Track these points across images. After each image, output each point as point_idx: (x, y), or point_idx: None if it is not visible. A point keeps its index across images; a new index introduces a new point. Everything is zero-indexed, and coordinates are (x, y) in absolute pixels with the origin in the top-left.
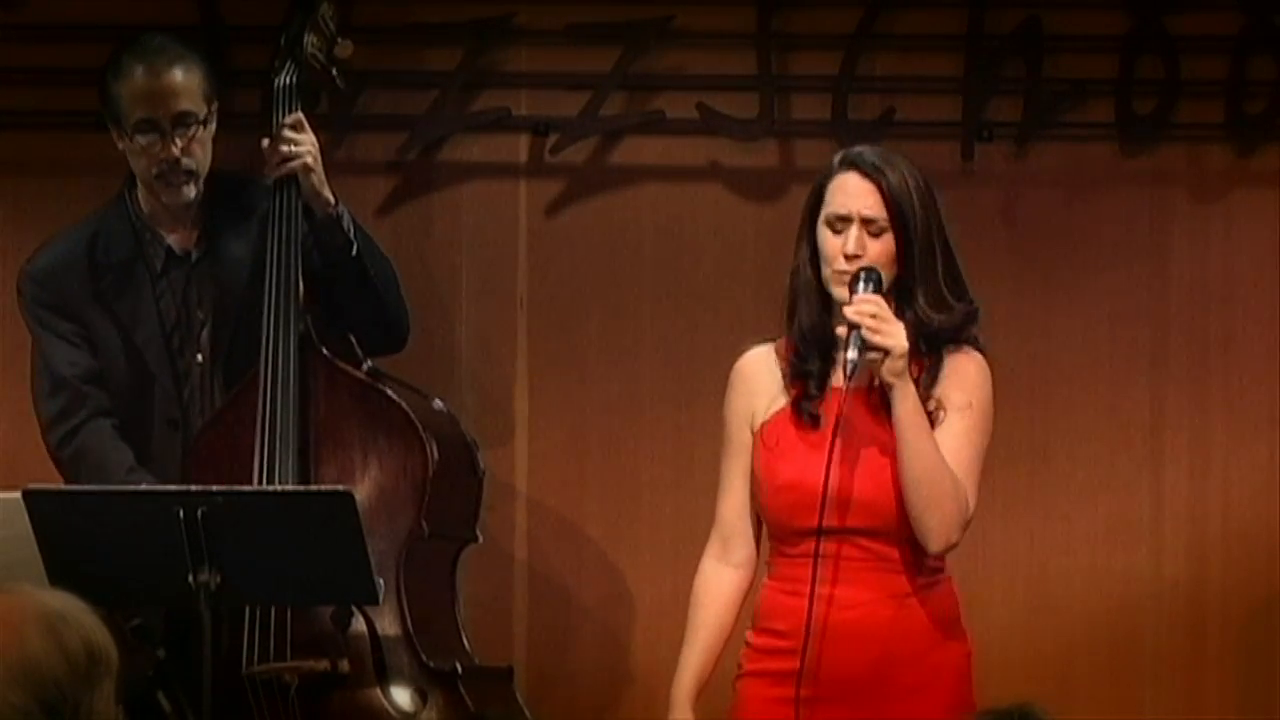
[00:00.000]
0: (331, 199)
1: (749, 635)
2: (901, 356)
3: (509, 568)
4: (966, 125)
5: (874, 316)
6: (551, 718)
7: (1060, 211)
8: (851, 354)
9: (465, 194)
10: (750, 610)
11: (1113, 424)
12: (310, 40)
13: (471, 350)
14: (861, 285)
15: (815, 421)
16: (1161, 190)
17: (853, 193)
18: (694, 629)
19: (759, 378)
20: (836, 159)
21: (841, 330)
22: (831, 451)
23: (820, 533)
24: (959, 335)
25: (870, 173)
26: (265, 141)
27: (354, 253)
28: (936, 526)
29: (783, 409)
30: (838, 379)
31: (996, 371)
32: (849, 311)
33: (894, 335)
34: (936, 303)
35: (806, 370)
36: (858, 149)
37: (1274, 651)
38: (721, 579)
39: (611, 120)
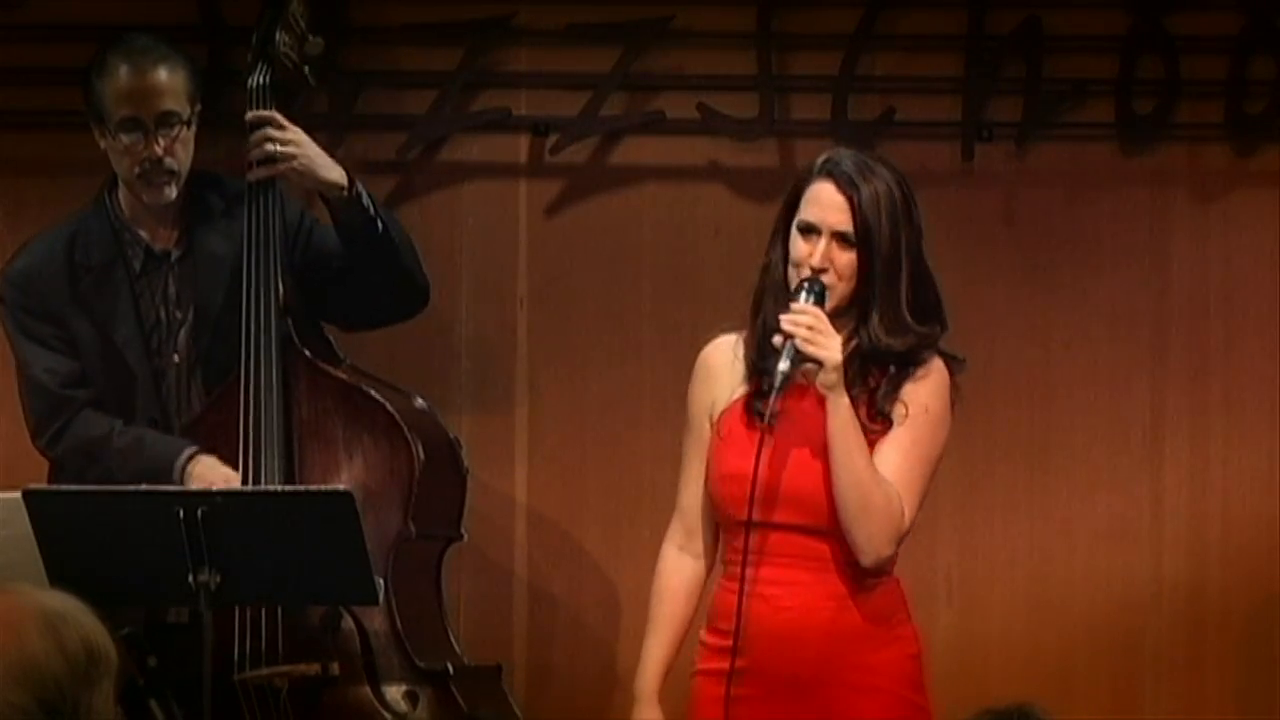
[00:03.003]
0: (343, 180)
1: (702, 633)
2: (835, 369)
3: (508, 567)
4: (966, 125)
5: (810, 328)
6: (549, 717)
7: (1060, 211)
8: (783, 365)
9: (465, 194)
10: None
11: (1113, 424)
12: (282, 39)
13: (471, 350)
14: (803, 296)
15: (763, 419)
16: (1161, 190)
17: (826, 204)
18: (658, 621)
19: (722, 367)
20: (820, 161)
21: (778, 339)
22: (760, 447)
23: (749, 525)
24: (914, 358)
25: (845, 185)
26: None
27: (380, 229)
28: (864, 541)
29: (739, 400)
30: (795, 377)
31: (997, 371)
32: (784, 321)
33: (828, 347)
34: (891, 326)
35: (763, 368)
36: (841, 156)
37: (1274, 651)
38: (684, 569)
39: (611, 120)
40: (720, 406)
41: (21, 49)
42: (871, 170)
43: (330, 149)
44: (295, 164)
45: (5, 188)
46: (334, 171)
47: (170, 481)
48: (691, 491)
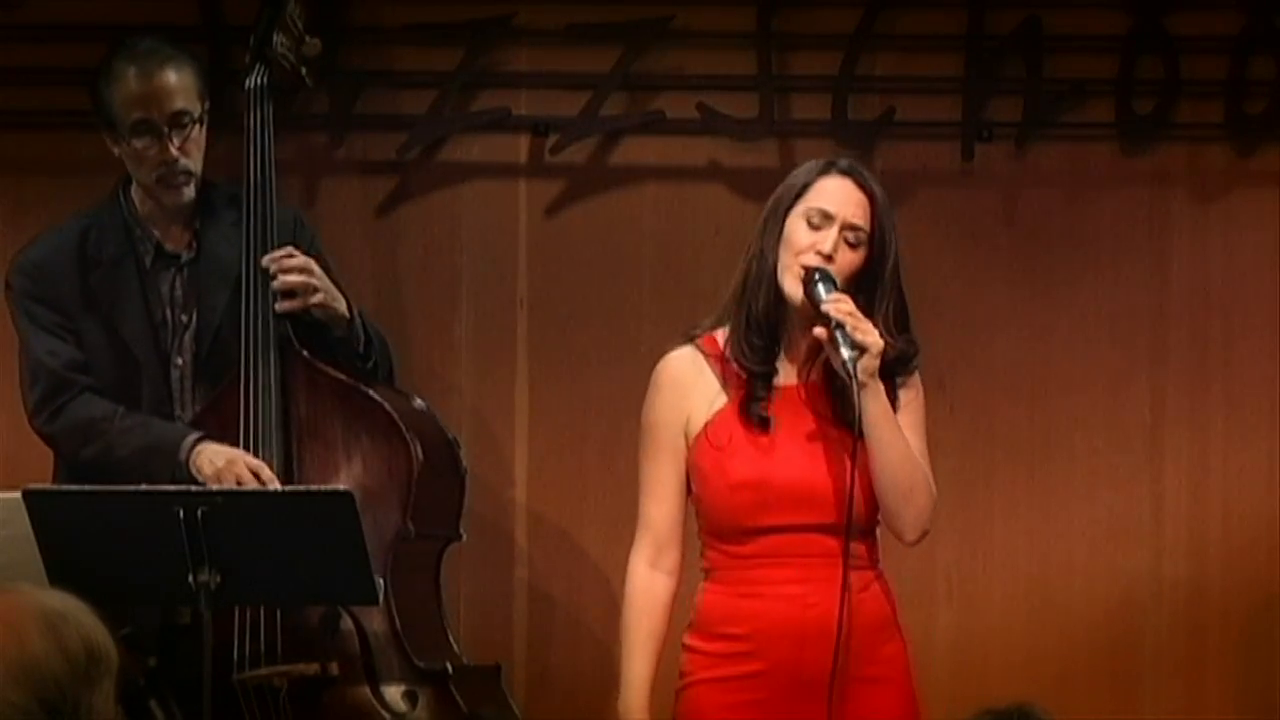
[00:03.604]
0: (346, 312)
1: (692, 641)
2: (878, 355)
3: (508, 567)
4: (966, 125)
5: (851, 314)
6: (549, 717)
7: (1060, 211)
8: (846, 352)
9: (465, 194)
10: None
11: (1113, 424)
12: (279, 40)
13: (471, 350)
14: (823, 286)
15: (765, 424)
16: (1161, 190)
17: (844, 198)
18: (639, 641)
19: (688, 380)
20: (823, 162)
21: (819, 331)
22: (855, 452)
23: (849, 532)
24: (904, 368)
25: (864, 185)
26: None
27: (370, 365)
28: (914, 518)
29: (726, 407)
30: (785, 378)
31: (997, 371)
32: (829, 309)
33: (872, 333)
34: (893, 331)
35: (752, 371)
36: (851, 160)
37: (1274, 651)
38: (657, 586)
39: (611, 120)
40: (698, 419)
41: (21, 49)
42: (879, 184)
43: (330, 149)
44: (318, 297)
45: (5, 188)
46: (341, 305)
47: (174, 460)
48: (662, 508)
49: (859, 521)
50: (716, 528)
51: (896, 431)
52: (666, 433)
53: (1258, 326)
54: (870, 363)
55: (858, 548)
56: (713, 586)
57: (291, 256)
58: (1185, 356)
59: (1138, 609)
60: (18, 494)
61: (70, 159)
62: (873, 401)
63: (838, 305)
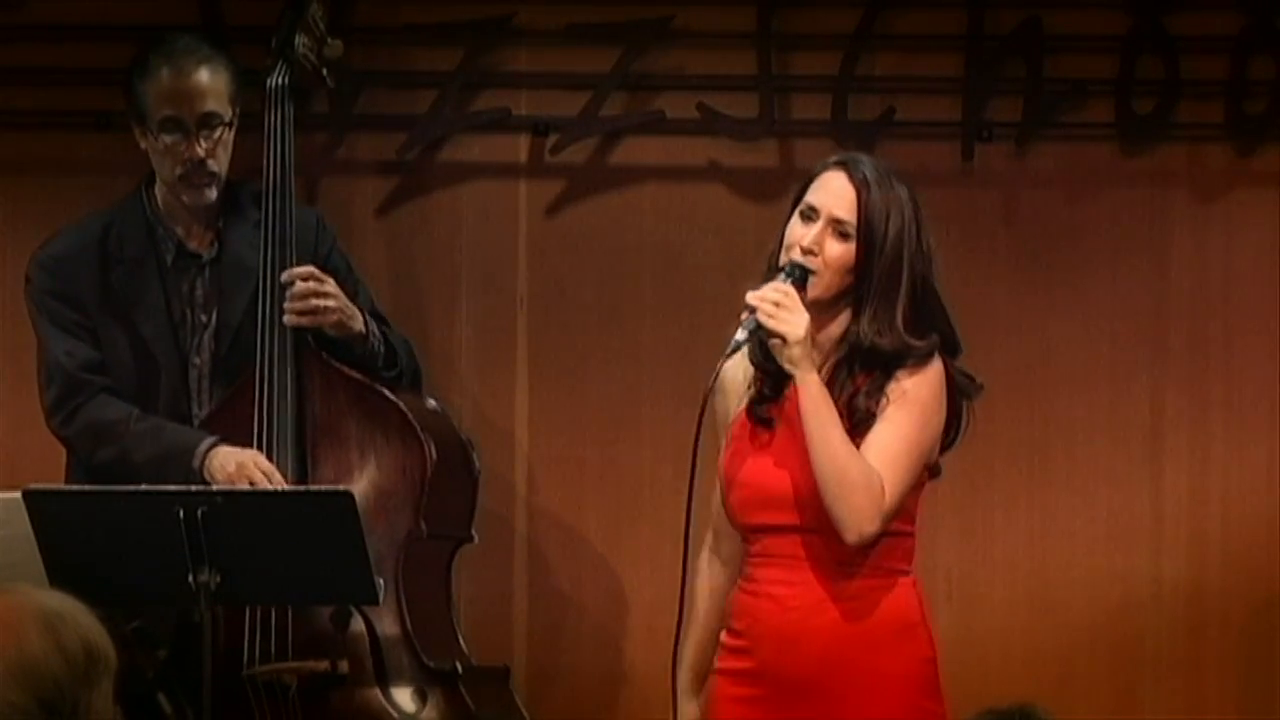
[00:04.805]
0: (362, 328)
1: (722, 634)
2: (798, 343)
3: (509, 567)
4: (966, 125)
5: (776, 304)
6: (550, 717)
7: (1060, 211)
8: (740, 334)
9: (465, 194)
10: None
11: (1113, 424)
12: (301, 41)
13: (471, 350)
14: (781, 276)
15: (767, 424)
16: (1161, 190)
17: (831, 190)
18: (688, 622)
19: (735, 378)
20: (838, 156)
21: (745, 315)
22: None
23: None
24: (901, 363)
25: (856, 180)
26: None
27: (394, 375)
28: (845, 517)
29: (742, 407)
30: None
31: (997, 371)
32: (749, 295)
33: (789, 322)
34: (881, 327)
35: (765, 369)
36: (863, 158)
37: (1274, 652)
38: (714, 573)
39: (611, 120)
40: (731, 416)
41: (21, 49)
42: (889, 181)
43: (330, 149)
44: (332, 318)
45: (5, 187)
46: (357, 322)
47: (189, 466)
48: (715, 499)
49: None
50: (734, 526)
51: (826, 425)
52: (720, 428)
53: (1258, 326)
54: (791, 351)
55: (824, 548)
56: (740, 582)
57: (307, 280)
58: (1185, 356)
59: (1138, 609)
60: (18, 494)
61: (70, 159)
62: (803, 391)
63: (762, 292)
